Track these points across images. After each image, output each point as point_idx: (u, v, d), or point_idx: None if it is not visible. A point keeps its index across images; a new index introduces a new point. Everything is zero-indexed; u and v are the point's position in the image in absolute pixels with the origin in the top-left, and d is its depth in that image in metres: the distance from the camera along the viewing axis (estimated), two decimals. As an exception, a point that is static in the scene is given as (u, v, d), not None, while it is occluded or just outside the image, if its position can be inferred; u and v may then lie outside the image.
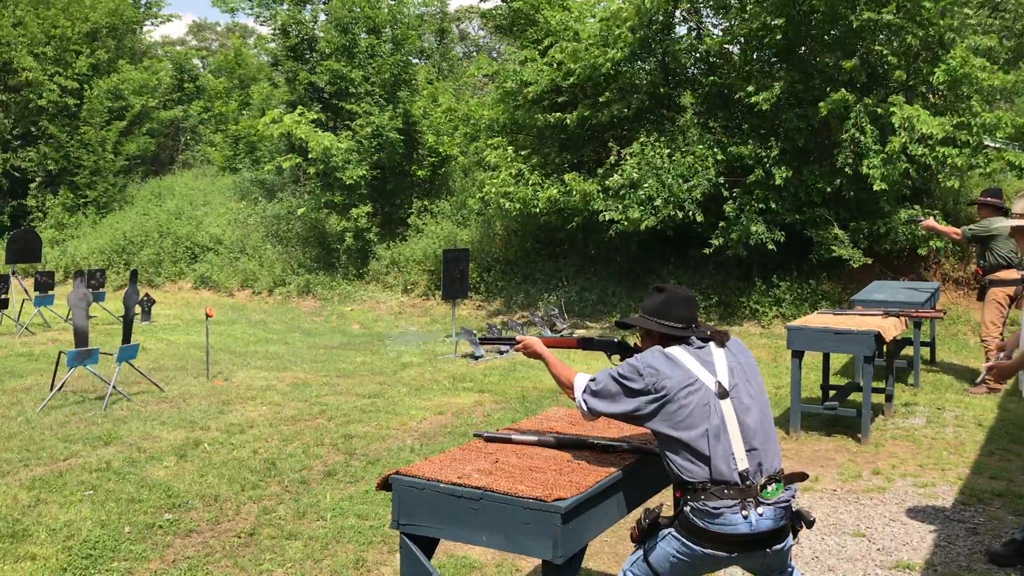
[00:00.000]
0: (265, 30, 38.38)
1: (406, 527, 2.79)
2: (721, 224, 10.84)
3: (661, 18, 11.41)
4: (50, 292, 12.76)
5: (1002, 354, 4.50)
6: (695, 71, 12.59)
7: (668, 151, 11.03)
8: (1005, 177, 11.21)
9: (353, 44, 16.32)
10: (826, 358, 7.32)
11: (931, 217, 9.41)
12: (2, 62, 20.36)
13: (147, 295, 13.14)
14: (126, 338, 8.46)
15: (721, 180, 10.99)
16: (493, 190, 12.21)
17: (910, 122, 9.62)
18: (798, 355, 6.47)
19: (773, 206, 10.67)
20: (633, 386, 2.79)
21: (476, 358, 9.60)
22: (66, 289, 13.46)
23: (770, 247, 10.64)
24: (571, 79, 11.89)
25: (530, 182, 12.03)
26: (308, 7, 17.55)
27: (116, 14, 21.97)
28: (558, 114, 12.01)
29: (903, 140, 9.65)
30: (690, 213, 10.78)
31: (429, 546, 2.85)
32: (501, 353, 9.76)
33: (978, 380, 7.72)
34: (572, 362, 7.88)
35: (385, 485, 2.86)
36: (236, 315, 13.90)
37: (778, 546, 2.73)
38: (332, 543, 4.50)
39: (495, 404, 7.55)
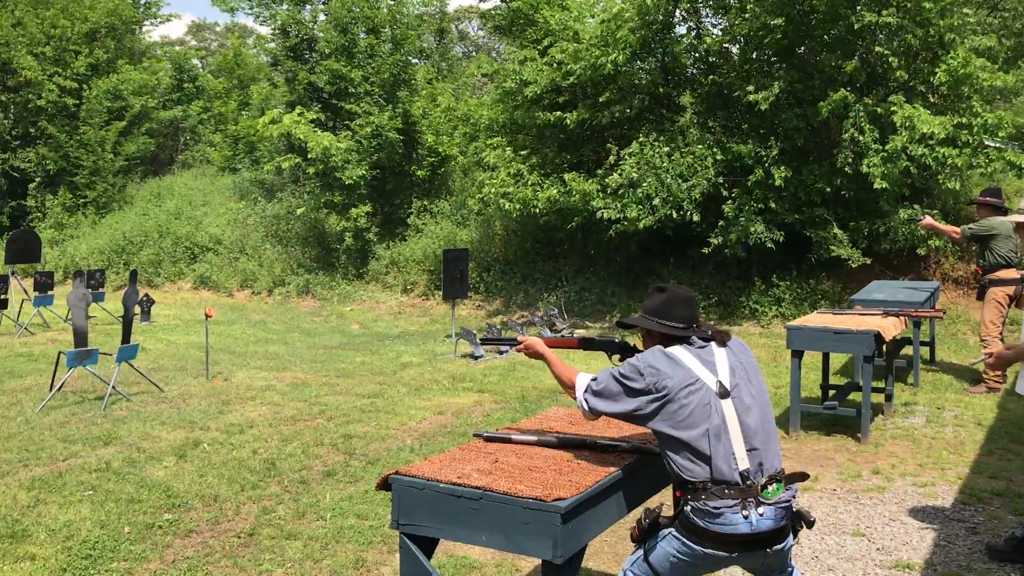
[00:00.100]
0: (264, 30, 38.39)
1: (406, 527, 2.79)
2: (720, 223, 10.84)
3: (661, 18, 11.41)
4: (49, 292, 12.75)
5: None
6: (694, 71, 12.59)
7: (667, 151, 11.03)
8: (1005, 177, 11.21)
9: (352, 44, 16.33)
10: (826, 358, 7.32)
11: (929, 216, 9.41)
12: (1, 62, 20.35)
13: (146, 295, 13.14)
14: (125, 338, 8.46)
15: (720, 180, 10.99)
16: (492, 190, 12.20)
17: (911, 121, 9.62)
18: (798, 355, 6.47)
19: (772, 206, 10.67)
20: (634, 386, 2.79)
21: (476, 358, 9.60)
22: (65, 289, 13.46)
23: (769, 246, 10.64)
24: (571, 79, 11.89)
25: (529, 182, 12.03)
26: (308, 7, 17.56)
27: (115, 14, 21.97)
28: (558, 113, 12.00)
29: (904, 139, 9.64)
30: (688, 213, 10.78)
31: (429, 546, 2.84)
32: (501, 353, 9.76)
33: (972, 361, 7.73)
34: (573, 362, 7.88)
35: (385, 485, 2.86)
36: (236, 315, 13.90)
37: (778, 546, 2.73)
38: (332, 543, 4.50)
39: (495, 404, 7.55)
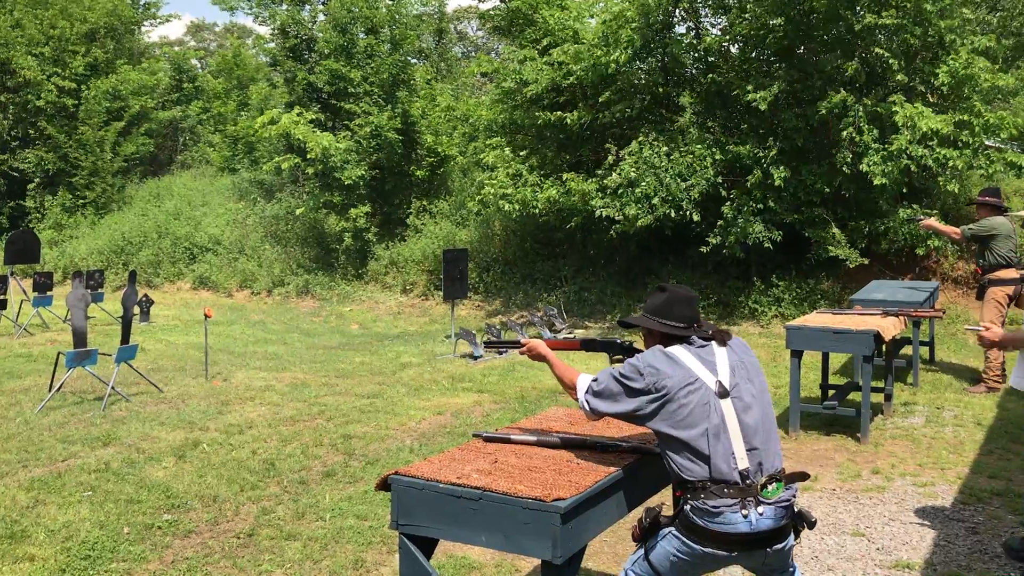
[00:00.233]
0: (264, 30, 38.42)
1: (405, 527, 2.79)
2: (719, 224, 10.85)
3: (661, 18, 11.41)
4: (49, 293, 12.74)
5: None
6: (694, 71, 12.60)
7: (666, 150, 11.03)
8: (1005, 177, 11.23)
9: (351, 44, 16.32)
10: (825, 357, 7.32)
11: (928, 217, 9.40)
12: (0, 62, 20.35)
13: (146, 296, 13.13)
14: (125, 339, 8.46)
15: (720, 180, 10.99)
16: (491, 191, 12.20)
17: (912, 120, 9.62)
18: (797, 355, 6.47)
19: (772, 205, 10.67)
20: (634, 386, 2.80)
21: (475, 358, 9.60)
22: (65, 290, 13.45)
23: (767, 246, 10.65)
24: (571, 79, 11.89)
25: (528, 182, 12.03)
26: (307, 7, 17.56)
27: (114, 15, 21.96)
28: (558, 113, 12.00)
29: (907, 138, 9.63)
30: (688, 212, 10.78)
31: (428, 546, 2.84)
32: (500, 353, 9.76)
33: (968, 327, 7.69)
34: (575, 364, 7.87)
35: (384, 485, 2.85)
36: (235, 316, 13.89)
37: (779, 546, 2.73)
38: (331, 543, 4.49)
39: (494, 404, 7.55)
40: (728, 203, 10.81)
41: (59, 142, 20.31)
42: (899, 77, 10.05)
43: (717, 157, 10.87)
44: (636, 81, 12.41)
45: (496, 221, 14.64)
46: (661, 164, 10.85)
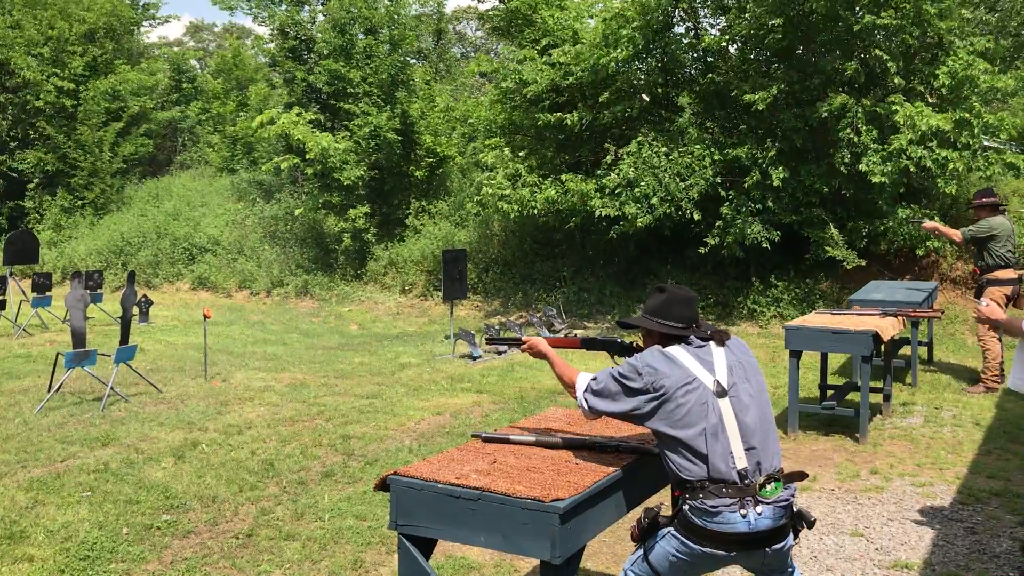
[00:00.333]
0: (263, 30, 38.42)
1: (404, 528, 2.79)
2: (718, 224, 10.85)
3: (661, 17, 11.42)
4: (48, 293, 12.74)
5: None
6: (693, 71, 12.61)
7: (665, 150, 11.04)
8: (1004, 178, 11.24)
9: (351, 45, 16.33)
10: (824, 358, 7.33)
11: (930, 219, 9.40)
12: (-3, 63, 20.39)
13: (145, 296, 13.13)
14: (124, 339, 8.46)
15: (718, 180, 10.99)
16: (490, 192, 12.20)
17: (912, 119, 9.62)
18: (796, 355, 6.48)
19: (770, 205, 10.68)
20: (632, 385, 2.80)
21: (474, 358, 9.60)
22: (64, 290, 13.44)
23: (764, 246, 10.65)
24: (570, 79, 11.89)
25: (527, 183, 12.03)
26: (306, 8, 17.57)
27: (113, 15, 21.96)
28: (558, 114, 12.01)
29: (907, 136, 9.63)
30: (688, 212, 10.78)
31: (427, 547, 2.84)
32: (500, 353, 9.76)
33: (975, 307, 7.61)
34: (574, 362, 7.88)
35: (383, 486, 2.86)
36: (234, 316, 13.89)
37: (777, 545, 2.73)
38: (330, 544, 4.49)
39: (493, 404, 7.55)
40: (727, 203, 10.81)
41: (58, 142, 20.31)
42: (896, 80, 10.05)
43: (716, 157, 10.87)
44: (635, 81, 12.41)
45: (495, 222, 14.64)
46: (660, 164, 10.86)
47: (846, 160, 10.17)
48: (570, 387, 3.05)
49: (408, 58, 17.84)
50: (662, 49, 11.86)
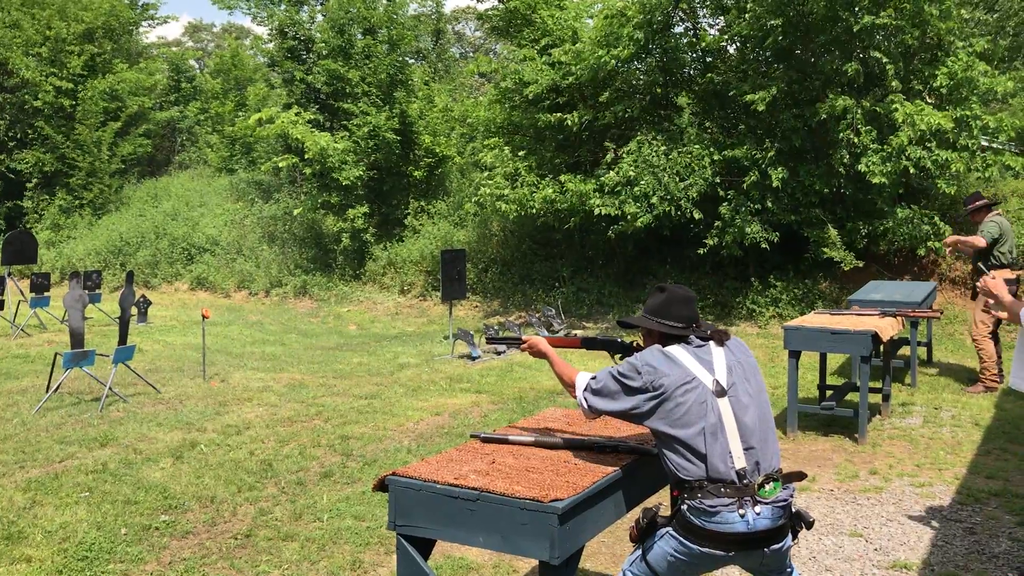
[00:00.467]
0: (262, 30, 38.40)
1: (403, 528, 2.79)
2: (717, 224, 10.85)
3: (660, 17, 11.42)
4: (46, 294, 12.74)
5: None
6: (692, 71, 12.61)
7: (665, 150, 11.03)
8: (1003, 179, 11.24)
9: (349, 45, 16.33)
10: (823, 358, 7.33)
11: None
12: (-4, 63, 20.38)
13: (143, 296, 13.12)
14: (122, 339, 8.45)
15: (718, 180, 10.99)
16: (488, 191, 12.20)
17: (912, 118, 9.62)
18: (795, 355, 6.47)
19: (770, 205, 10.68)
20: (632, 384, 2.80)
21: (473, 359, 9.60)
22: (62, 291, 13.44)
23: (764, 246, 10.65)
24: (570, 79, 11.89)
25: (526, 182, 12.03)
26: (305, 8, 17.57)
27: (112, 15, 21.97)
28: (558, 114, 12.00)
29: (907, 134, 9.63)
30: (688, 211, 10.78)
31: (426, 547, 2.84)
32: (498, 354, 9.75)
33: (981, 282, 7.49)
34: (574, 362, 7.88)
35: (382, 486, 2.85)
36: (233, 316, 13.88)
37: (776, 546, 2.72)
38: (329, 544, 4.49)
39: (492, 405, 7.54)
40: (726, 203, 10.81)
41: (56, 142, 20.30)
42: (894, 84, 10.05)
43: (715, 157, 10.88)
44: (635, 81, 12.42)
45: (494, 222, 14.64)
46: (660, 163, 10.86)
47: (845, 160, 10.17)
48: (570, 386, 3.05)
49: (407, 58, 17.85)
50: (662, 48, 11.86)
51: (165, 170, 23.73)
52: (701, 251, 11.01)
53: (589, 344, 3.50)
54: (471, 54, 30.88)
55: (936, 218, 10.25)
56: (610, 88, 11.86)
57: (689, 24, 12.43)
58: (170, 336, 11.65)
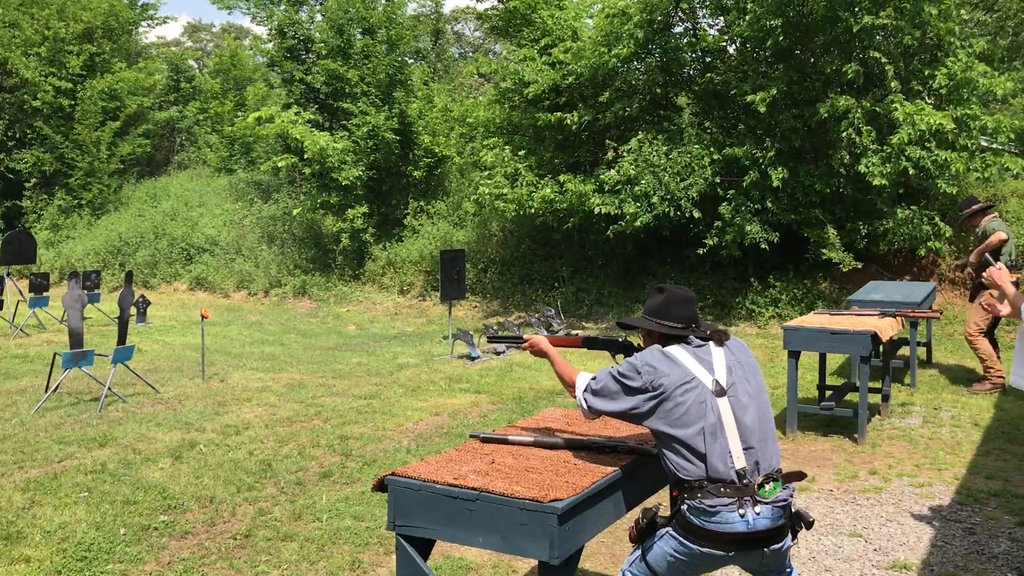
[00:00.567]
0: (261, 30, 38.39)
1: (402, 528, 2.78)
2: (717, 224, 10.85)
3: (660, 17, 11.42)
4: (45, 294, 12.73)
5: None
6: (692, 71, 12.61)
7: (665, 149, 11.03)
8: (1002, 179, 11.24)
9: (349, 45, 16.33)
10: (822, 358, 7.32)
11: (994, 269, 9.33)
12: (-5, 63, 20.37)
13: (142, 296, 13.12)
14: (121, 339, 8.44)
15: (717, 180, 10.99)
16: (487, 191, 12.20)
17: (912, 117, 9.62)
18: (794, 355, 6.47)
19: (769, 205, 10.68)
20: (632, 384, 2.79)
21: (472, 359, 9.59)
22: (61, 291, 13.43)
23: (763, 246, 10.65)
24: (570, 79, 11.89)
25: (525, 182, 12.03)
26: (304, 8, 17.57)
27: (112, 15, 21.96)
28: (558, 114, 12.00)
29: (907, 132, 9.63)
30: (687, 211, 10.78)
31: (425, 547, 2.83)
32: (498, 354, 9.75)
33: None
34: (574, 361, 7.87)
35: (381, 486, 2.85)
36: (232, 316, 13.87)
37: (776, 546, 2.72)
38: (328, 544, 4.48)
39: (491, 405, 7.54)
40: (726, 203, 10.81)
41: (55, 142, 20.29)
42: (894, 84, 10.05)
43: (715, 157, 10.88)
44: (635, 81, 12.42)
45: (493, 222, 14.64)
46: (660, 163, 10.86)
47: (845, 161, 10.17)
48: (570, 386, 3.05)
49: (406, 58, 17.85)
50: (662, 48, 11.86)
51: (164, 170, 23.72)
52: (701, 251, 11.01)
53: (590, 344, 3.50)
54: (470, 54, 30.87)
55: (936, 218, 10.25)
56: (610, 88, 11.86)
57: (689, 24, 12.43)
58: (169, 336, 11.64)
